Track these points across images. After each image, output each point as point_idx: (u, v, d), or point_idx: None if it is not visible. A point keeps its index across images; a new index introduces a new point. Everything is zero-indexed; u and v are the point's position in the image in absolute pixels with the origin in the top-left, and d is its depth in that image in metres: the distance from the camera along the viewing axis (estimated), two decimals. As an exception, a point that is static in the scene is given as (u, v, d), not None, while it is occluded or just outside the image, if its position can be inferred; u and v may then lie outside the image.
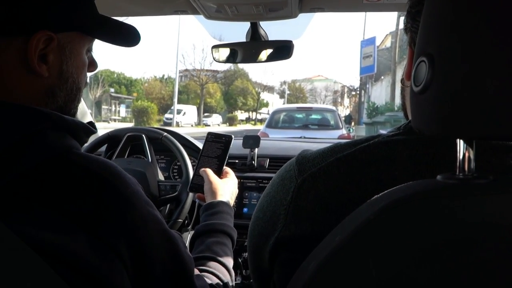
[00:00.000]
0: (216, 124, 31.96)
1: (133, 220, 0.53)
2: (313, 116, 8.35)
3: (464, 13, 0.35)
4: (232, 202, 1.02)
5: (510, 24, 0.33)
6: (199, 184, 1.08)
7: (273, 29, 1.27)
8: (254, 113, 39.91)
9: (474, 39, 0.35)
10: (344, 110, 42.39)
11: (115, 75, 31.45)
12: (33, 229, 0.46)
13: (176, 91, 26.02)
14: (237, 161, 1.50)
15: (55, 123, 0.53)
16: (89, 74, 0.68)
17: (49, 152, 0.52)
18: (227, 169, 1.12)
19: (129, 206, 0.53)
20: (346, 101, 46.92)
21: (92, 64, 0.66)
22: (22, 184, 0.49)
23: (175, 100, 25.73)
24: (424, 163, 0.48)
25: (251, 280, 1.09)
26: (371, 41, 20.40)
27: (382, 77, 22.99)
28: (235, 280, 1.17)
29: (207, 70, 32.11)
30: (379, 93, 22.75)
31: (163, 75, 36.35)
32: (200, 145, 1.49)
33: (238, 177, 1.15)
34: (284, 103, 39.66)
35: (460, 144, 0.39)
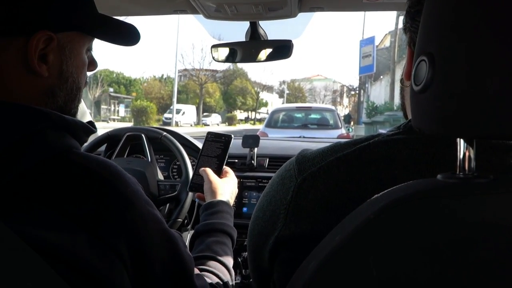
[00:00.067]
0: (215, 123, 31.94)
1: (133, 220, 0.53)
2: (312, 116, 8.35)
3: (465, 12, 0.35)
4: (232, 201, 1.02)
5: (510, 23, 0.33)
6: (198, 184, 1.08)
7: (272, 29, 1.27)
8: (253, 113, 39.89)
9: (475, 38, 0.35)
10: (343, 110, 42.37)
11: (114, 74, 31.41)
12: (33, 229, 0.46)
13: (175, 90, 26.01)
14: (236, 160, 1.50)
15: (55, 122, 0.53)
16: (88, 74, 0.68)
17: (49, 151, 0.52)
18: (226, 168, 1.12)
19: (129, 205, 0.53)
20: (345, 100, 46.92)
21: (92, 64, 0.66)
22: (22, 184, 0.49)
23: (174, 99, 25.72)
24: (424, 162, 0.48)
25: (251, 280, 1.09)
26: (370, 40, 20.38)
27: (381, 77, 22.99)
28: (235, 280, 1.17)
29: (206, 70, 32.08)
30: (378, 93, 22.74)
31: (162, 75, 36.41)
32: (199, 144, 1.49)
33: (237, 177, 1.15)
34: (283, 103, 39.67)
35: (461, 143, 0.39)
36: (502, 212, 0.35)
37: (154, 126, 1.78)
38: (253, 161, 1.49)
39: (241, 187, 1.43)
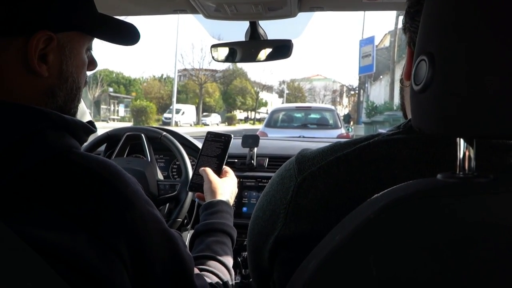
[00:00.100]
0: (215, 123, 31.93)
1: (133, 220, 0.53)
2: (312, 116, 8.35)
3: (465, 12, 0.35)
4: (231, 201, 1.02)
5: (510, 23, 0.33)
6: (198, 183, 1.08)
7: (272, 28, 1.27)
8: (253, 113, 39.88)
9: (475, 37, 0.35)
10: (343, 110, 42.35)
11: (114, 74, 31.39)
12: (33, 229, 0.46)
13: (175, 90, 26.01)
14: (236, 160, 1.50)
15: (55, 122, 0.53)
16: (88, 73, 0.68)
17: (49, 151, 0.52)
18: (226, 168, 1.12)
19: (128, 205, 0.53)
20: (345, 100, 46.90)
21: (92, 63, 0.67)
22: (22, 184, 0.49)
23: (174, 99, 25.71)
24: (424, 162, 0.48)
25: (251, 279, 1.09)
26: (370, 40, 20.38)
27: (381, 77, 22.99)
28: (235, 279, 1.17)
29: (206, 70, 32.08)
30: (378, 93, 22.75)
31: (162, 75, 36.36)
32: (199, 144, 1.49)
33: (237, 176, 1.15)
34: (283, 103, 39.65)
35: (461, 143, 0.39)
36: (502, 211, 0.35)
37: (154, 126, 1.78)
38: (252, 161, 1.49)
39: (241, 187, 1.42)
